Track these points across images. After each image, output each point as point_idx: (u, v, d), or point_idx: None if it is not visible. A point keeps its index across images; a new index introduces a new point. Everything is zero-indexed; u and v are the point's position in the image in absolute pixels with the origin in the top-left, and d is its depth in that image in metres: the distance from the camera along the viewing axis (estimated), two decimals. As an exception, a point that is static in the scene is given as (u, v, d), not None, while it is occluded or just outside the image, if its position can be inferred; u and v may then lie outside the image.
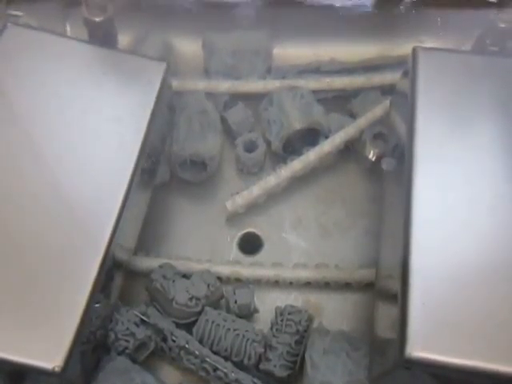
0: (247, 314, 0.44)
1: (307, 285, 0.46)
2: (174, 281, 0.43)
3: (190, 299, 0.42)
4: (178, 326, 0.42)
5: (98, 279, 0.35)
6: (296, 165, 0.49)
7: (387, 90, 0.51)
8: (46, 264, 0.35)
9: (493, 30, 0.45)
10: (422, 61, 0.41)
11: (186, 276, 0.44)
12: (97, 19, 0.44)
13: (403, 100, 0.42)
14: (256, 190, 0.49)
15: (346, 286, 0.46)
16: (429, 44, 0.53)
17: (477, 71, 0.42)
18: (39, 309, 0.34)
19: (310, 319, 0.43)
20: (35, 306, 0.34)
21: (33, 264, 0.35)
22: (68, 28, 0.53)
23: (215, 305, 0.44)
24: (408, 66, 0.43)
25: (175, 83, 0.49)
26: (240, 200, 0.48)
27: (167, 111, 0.48)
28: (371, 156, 0.51)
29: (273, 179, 0.49)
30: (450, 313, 0.32)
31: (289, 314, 0.42)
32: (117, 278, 0.42)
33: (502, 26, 0.44)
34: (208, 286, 0.43)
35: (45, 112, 0.41)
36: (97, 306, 0.36)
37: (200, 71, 0.54)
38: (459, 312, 0.32)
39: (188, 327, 0.42)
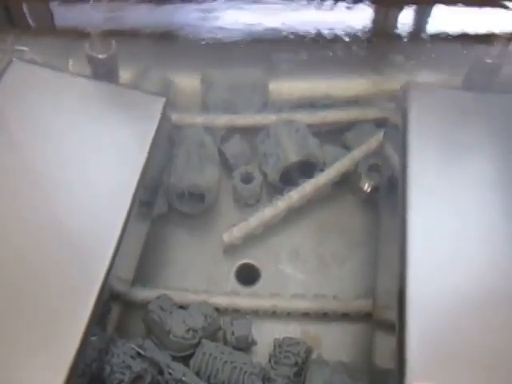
0: (245, 345, 0.43)
1: (305, 316, 0.46)
2: (171, 312, 0.43)
3: (187, 331, 0.42)
4: (174, 358, 0.42)
5: (95, 312, 0.35)
6: (292, 196, 0.50)
7: (381, 123, 0.53)
8: (42, 296, 0.35)
9: (480, 66, 0.47)
10: (413, 95, 0.43)
11: (183, 307, 0.44)
12: (100, 56, 0.45)
13: (396, 133, 0.43)
14: (253, 221, 0.49)
15: (344, 317, 0.46)
16: (420, 79, 0.54)
17: (467, 106, 0.43)
18: (34, 342, 0.33)
19: (309, 350, 0.42)
20: (30, 339, 0.33)
21: (29, 295, 0.35)
22: (70, 63, 0.55)
23: (212, 336, 0.43)
24: (400, 100, 0.44)
25: (174, 117, 0.50)
26: (237, 232, 0.49)
27: (166, 144, 0.49)
28: (366, 187, 0.52)
29: (270, 211, 0.49)
30: (447, 343, 0.32)
31: (287, 345, 0.42)
32: (114, 310, 0.41)
33: (489, 61, 0.46)
34: (205, 317, 0.43)
35: (46, 146, 0.41)
36: (93, 338, 0.36)
37: (198, 106, 0.56)
38: (457, 342, 0.32)
39: (185, 360, 0.42)
